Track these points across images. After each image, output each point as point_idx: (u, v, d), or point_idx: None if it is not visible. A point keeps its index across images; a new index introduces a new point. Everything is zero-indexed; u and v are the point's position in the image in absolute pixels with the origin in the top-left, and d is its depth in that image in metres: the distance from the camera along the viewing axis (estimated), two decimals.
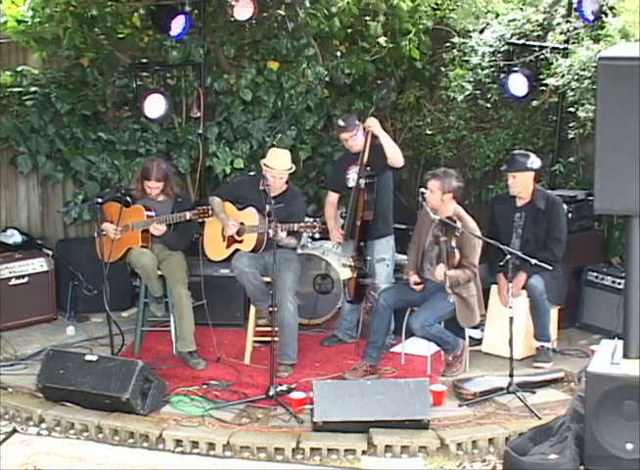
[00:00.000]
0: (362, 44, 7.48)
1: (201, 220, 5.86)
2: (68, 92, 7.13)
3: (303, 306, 6.22)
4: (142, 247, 5.87)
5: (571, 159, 7.07)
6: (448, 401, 5.22)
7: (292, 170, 5.87)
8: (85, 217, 7.07)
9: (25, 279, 6.68)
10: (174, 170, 6.29)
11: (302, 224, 5.52)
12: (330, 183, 6.46)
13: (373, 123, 5.85)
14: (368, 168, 5.87)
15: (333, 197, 6.24)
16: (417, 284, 5.62)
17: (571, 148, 7.16)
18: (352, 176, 6.04)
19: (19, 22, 7.02)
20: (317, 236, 5.76)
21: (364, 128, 5.94)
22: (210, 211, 5.76)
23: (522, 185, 5.92)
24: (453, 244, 5.36)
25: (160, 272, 5.87)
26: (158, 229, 5.80)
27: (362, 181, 5.84)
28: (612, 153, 3.81)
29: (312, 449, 4.71)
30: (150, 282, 5.88)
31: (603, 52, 4.41)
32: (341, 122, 6.07)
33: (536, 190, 5.97)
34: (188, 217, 5.78)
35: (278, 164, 5.79)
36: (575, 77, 6.12)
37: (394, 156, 5.84)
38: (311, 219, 5.59)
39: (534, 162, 5.93)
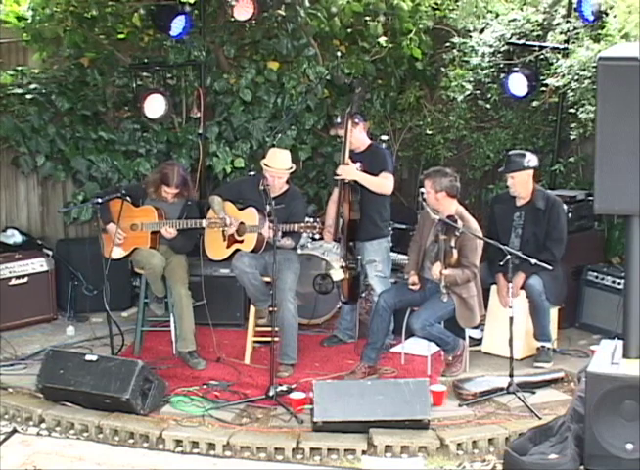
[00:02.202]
0: (362, 44, 7.48)
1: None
2: (69, 92, 7.12)
3: (303, 307, 6.22)
4: (150, 247, 5.87)
5: (571, 159, 7.08)
6: (448, 401, 5.22)
7: (292, 170, 5.87)
8: (84, 218, 7.07)
9: (25, 279, 6.67)
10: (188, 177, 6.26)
11: (303, 225, 5.52)
12: (334, 180, 6.44)
13: (344, 172, 5.82)
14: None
15: (336, 194, 6.22)
16: (414, 284, 5.62)
17: (571, 148, 7.16)
18: None
19: (19, 19, 7.02)
20: (317, 236, 5.77)
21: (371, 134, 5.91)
22: (227, 222, 5.76)
23: (521, 185, 5.92)
24: (452, 243, 5.36)
25: (163, 272, 5.87)
26: (170, 233, 5.80)
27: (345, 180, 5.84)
28: (612, 153, 3.81)
29: (312, 449, 4.70)
30: (155, 283, 5.88)
31: (603, 52, 4.41)
32: (338, 119, 6.05)
33: (536, 190, 5.97)
34: (203, 225, 5.80)
35: (278, 164, 5.78)
36: (576, 78, 6.13)
37: (380, 190, 5.86)
38: (311, 220, 5.59)
39: (531, 160, 5.92)
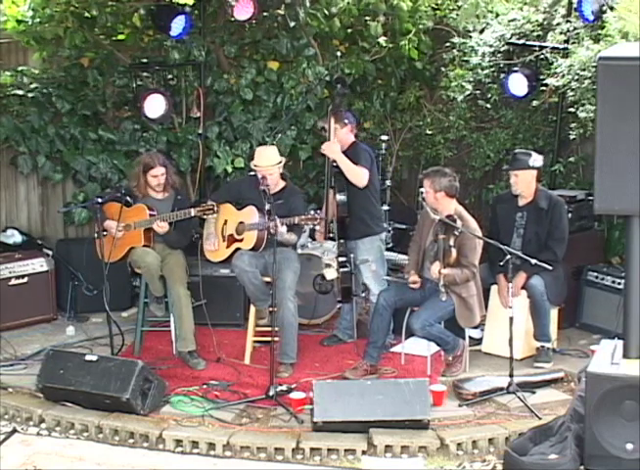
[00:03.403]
0: (362, 44, 7.49)
1: (204, 217, 5.87)
2: (69, 92, 7.13)
3: (303, 306, 6.22)
4: (144, 246, 5.87)
5: (571, 159, 7.08)
6: (448, 401, 5.22)
7: (281, 164, 5.86)
8: (84, 219, 7.06)
9: (25, 279, 6.67)
10: (174, 169, 6.31)
11: (303, 217, 5.52)
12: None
13: (327, 149, 5.84)
14: (335, 166, 5.86)
15: (331, 194, 6.22)
16: (414, 283, 5.62)
17: (571, 148, 7.16)
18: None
19: (19, 21, 7.02)
20: (318, 227, 5.73)
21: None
22: (215, 208, 5.76)
23: (524, 184, 5.92)
24: (451, 242, 5.36)
25: (160, 272, 5.87)
26: (161, 227, 5.80)
27: (332, 179, 5.85)
28: (612, 153, 3.81)
29: (312, 449, 4.71)
30: (152, 282, 5.88)
31: (603, 52, 4.41)
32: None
33: (539, 190, 5.98)
34: (193, 214, 5.78)
35: (264, 161, 5.80)
36: (575, 77, 6.13)
37: (354, 178, 5.82)
38: (312, 212, 5.58)
39: (536, 160, 5.93)
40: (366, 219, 5.99)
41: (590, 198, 6.41)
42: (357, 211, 5.92)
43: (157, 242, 5.93)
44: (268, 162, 5.80)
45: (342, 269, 5.91)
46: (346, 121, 5.98)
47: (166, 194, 6.00)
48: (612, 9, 5.98)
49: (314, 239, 6.75)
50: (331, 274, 5.91)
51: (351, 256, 5.94)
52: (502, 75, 6.94)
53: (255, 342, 5.99)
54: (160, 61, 7.23)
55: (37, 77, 7.22)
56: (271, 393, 5.16)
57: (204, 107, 7.10)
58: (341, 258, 5.92)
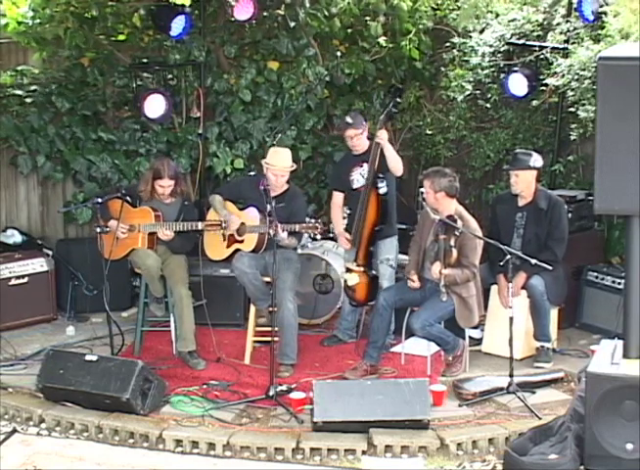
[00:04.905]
0: (362, 44, 7.49)
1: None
2: (69, 92, 7.13)
3: (303, 306, 6.22)
4: (148, 248, 5.86)
5: (571, 159, 7.08)
6: (448, 401, 5.22)
7: (293, 168, 5.88)
8: (84, 218, 7.06)
9: (25, 279, 6.67)
10: (181, 172, 6.33)
11: (304, 225, 5.51)
12: (333, 183, 6.43)
13: (384, 136, 5.84)
14: (380, 176, 5.87)
15: (338, 197, 6.20)
16: (413, 282, 5.62)
17: (571, 148, 7.17)
18: (356, 178, 6.05)
19: (19, 23, 7.01)
20: (319, 237, 5.73)
21: (372, 135, 5.95)
22: (223, 224, 5.76)
23: (524, 184, 5.92)
24: (452, 243, 5.36)
25: (160, 273, 5.87)
26: (166, 235, 5.79)
27: (381, 189, 5.84)
28: (612, 153, 3.81)
29: (312, 449, 4.70)
30: (152, 283, 5.88)
31: (603, 52, 4.41)
32: (348, 119, 6.01)
33: (538, 190, 5.98)
34: (200, 227, 5.79)
35: (280, 162, 5.80)
36: (575, 77, 6.13)
37: (397, 167, 5.87)
38: (313, 220, 5.58)
39: (537, 160, 5.94)
40: (392, 220, 6.03)
41: (590, 198, 6.42)
42: (391, 212, 5.97)
43: (159, 245, 5.92)
44: (284, 163, 5.81)
45: (368, 274, 5.91)
46: (364, 123, 6.00)
47: (173, 199, 5.98)
48: (615, 15, 5.97)
49: (314, 239, 6.73)
50: (353, 280, 5.91)
51: (372, 259, 5.95)
52: (502, 75, 6.94)
53: (255, 342, 6.00)
54: (160, 61, 7.23)
55: (37, 77, 7.22)
56: (271, 393, 5.16)
57: (204, 107, 7.10)
58: (368, 264, 5.92)
